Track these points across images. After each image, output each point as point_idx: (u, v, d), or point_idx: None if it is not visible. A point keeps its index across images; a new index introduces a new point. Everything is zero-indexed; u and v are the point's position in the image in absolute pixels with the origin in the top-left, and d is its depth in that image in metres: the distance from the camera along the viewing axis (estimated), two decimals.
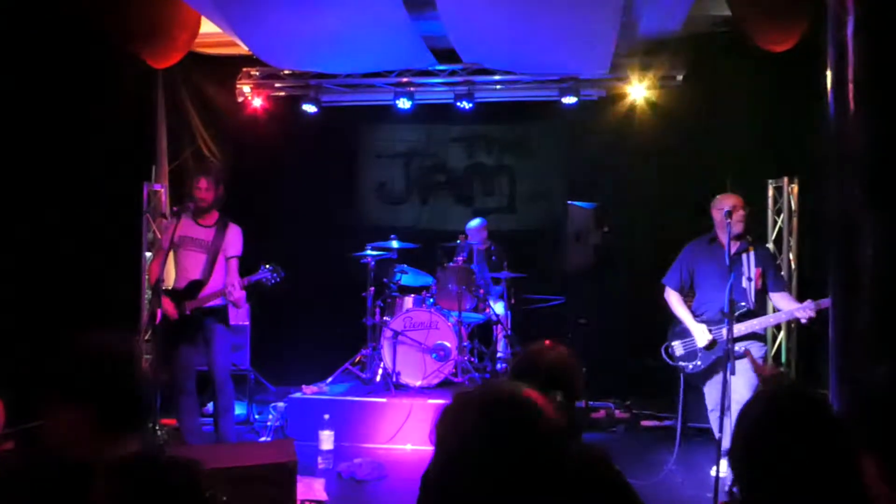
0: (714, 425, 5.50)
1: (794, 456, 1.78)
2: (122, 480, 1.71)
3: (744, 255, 5.42)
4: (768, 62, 6.49)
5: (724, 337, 5.20)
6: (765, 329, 5.70)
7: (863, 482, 1.80)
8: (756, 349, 5.36)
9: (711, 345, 5.43)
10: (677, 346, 5.64)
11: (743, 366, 5.12)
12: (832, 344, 2.62)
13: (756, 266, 5.39)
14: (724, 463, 5.48)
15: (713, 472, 5.44)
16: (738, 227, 5.30)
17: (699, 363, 5.51)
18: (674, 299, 5.67)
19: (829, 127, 2.59)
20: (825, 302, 4.86)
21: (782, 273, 6.41)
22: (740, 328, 5.18)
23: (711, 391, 5.52)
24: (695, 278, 5.64)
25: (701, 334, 5.47)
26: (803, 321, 5.23)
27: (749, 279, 5.37)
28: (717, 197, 5.52)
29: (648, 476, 5.58)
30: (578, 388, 2.53)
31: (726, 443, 5.33)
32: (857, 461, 1.80)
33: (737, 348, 5.07)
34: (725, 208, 5.27)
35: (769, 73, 6.82)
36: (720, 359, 5.29)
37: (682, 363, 5.62)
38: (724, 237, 5.24)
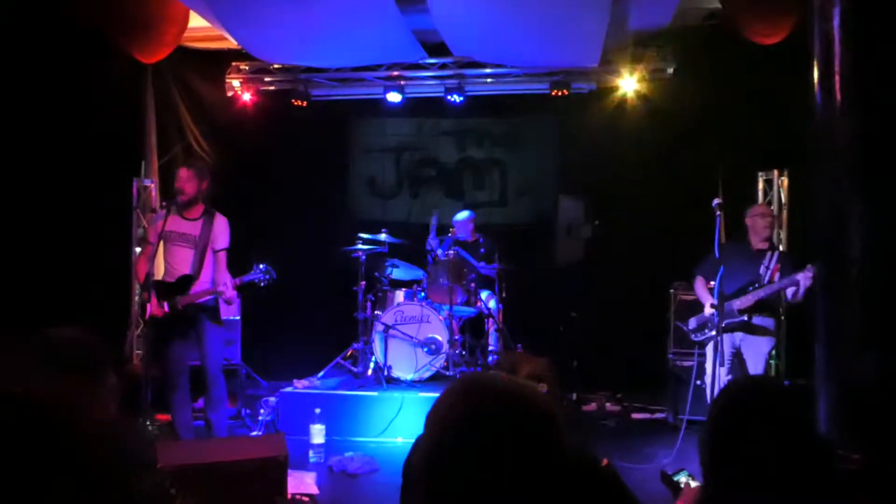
0: (708, 390, 5.96)
1: (757, 448, 1.81)
2: None
3: (768, 253, 6.00)
4: (758, 55, 6.50)
5: (732, 307, 5.84)
6: (775, 305, 6.10)
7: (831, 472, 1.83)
8: (770, 326, 5.96)
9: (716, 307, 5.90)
10: (692, 320, 6.28)
11: (755, 342, 5.90)
12: (820, 334, 2.63)
13: (776, 263, 5.96)
14: None
15: None
16: (764, 232, 6.03)
17: (707, 332, 6.06)
18: (698, 283, 6.24)
19: (816, 118, 2.60)
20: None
21: None
22: (748, 298, 5.82)
23: (712, 355, 5.83)
24: (724, 270, 5.93)
25: (708, 307, 6.04)
26: (803, 287, 5.56)
27: (767, 268, 5.97)
28: (755, 206, 6.28)
29: (641, 464, 5.62)
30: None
31: None
32: (825, 452, 1.83)
33: (745, 318, 5.89)
34: (759, 212, 6.14)
35: (759, 66, 6.83)
36: (725, 328, 5.76)
37: (693, 335, 6.25)
38: (753, 239, 6.03)
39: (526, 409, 1.46)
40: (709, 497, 1.89)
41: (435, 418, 1.49)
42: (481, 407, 1.45)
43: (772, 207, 7.49)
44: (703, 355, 6.23)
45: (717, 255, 5.55)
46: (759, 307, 5.88)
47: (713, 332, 5.89)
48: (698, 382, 6.44)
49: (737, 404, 1.93)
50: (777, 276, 5.89)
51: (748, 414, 1.87)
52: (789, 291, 5.74)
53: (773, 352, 6.29)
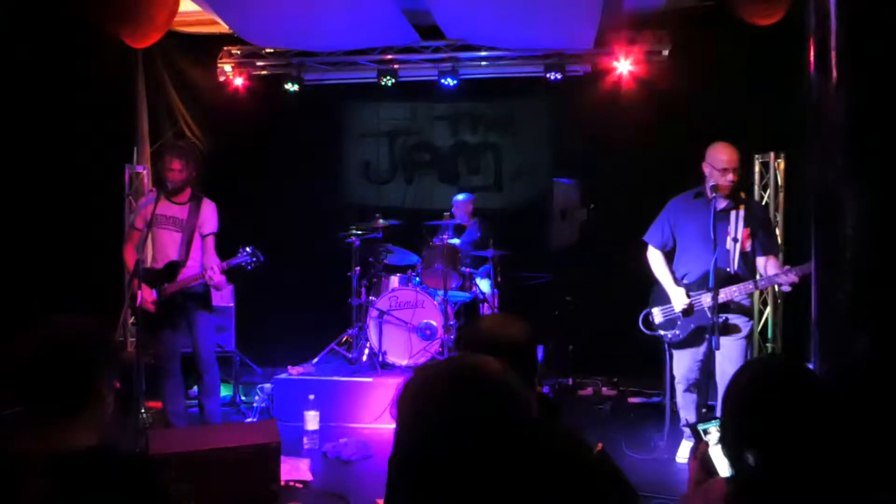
0: (679, 398, 5.32)
1: (783, 429, 1.75)
2: (62, 476, 1.59)
3: (732, 213, 4.96)
4: (755, 36, 6.44)
5: (704, 305, 4.94)
6: (751, 301, 5.39)
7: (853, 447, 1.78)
8: (742, 324, 5.05)
9: (689, 310, 5.05)
10: (656, 313, 5.24)
11: (727, 342, 4.85)
12: (814, 317, 2.60)
13: (744, 226, 4.92)
14: (686, 444, 5.42)
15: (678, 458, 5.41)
16: (726, 189, 4.91)
17: (678, 332, 5.13)
18: (655, 259, 5.30)
19: (811, 96, 2.56)
20: (807, 267, 4.40)
21: (776, 235, 5.90)
22: (719, 296, 4.75)
23: (682, 361, 5.20)
24: (677, 236, 5.25)
25: (678, 298, 5.08)
26: (786, 289, 4.90)
27: (735, 240, 4.90)
28: (714, 147, 5.04)
29: (637, 452, 5.60)
30: (533, 362, 2.45)
31: (689, 416, 5.25)
32: (844, 426, 1.78)
33: (721, 320, 4.80)
34: (721, 165, 4.89)
35: (755, 48, 6.78)
36: (700, 328, 5.00)
37: (661, 332, 5.24)
38: (711, 194, 4.91)
39: (497, 392, 1.43)
40: (741, 488, 1.83)
41: (411, 406, 1.46)
42: (459, 391, 1.42)
43: (767, 189, 7.45)
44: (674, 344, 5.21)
45: (710, 220, 4.71)
46: (731, 304, 4.96)
47: (681, 334, 5.10)
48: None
49: (754, 387, 1.86)
50: (748, 244, 4.91)
51: (767, 396, 1.81)
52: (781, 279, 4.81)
53: (754, 342, 5.74)
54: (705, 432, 2.20)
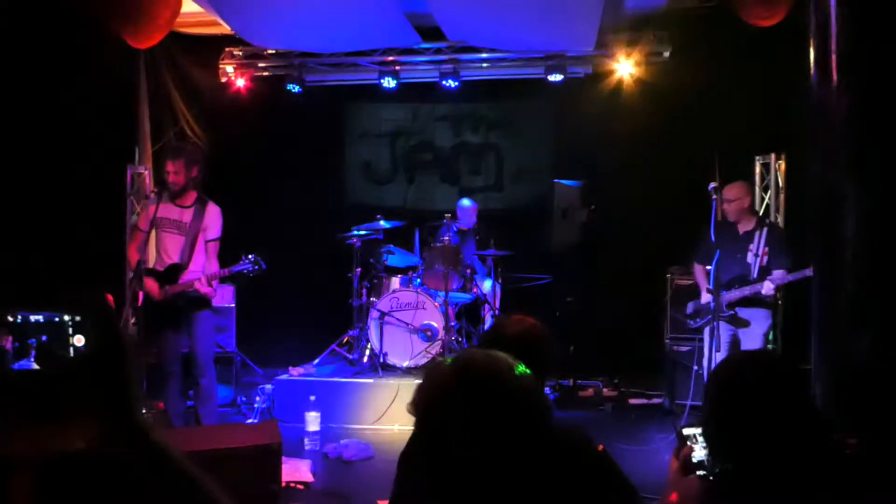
0: (705, 375, 5.94)
1: (760, 417, 1.77)
2: (51, 481, 1.55)
3: (756, 233, 5.95)
4: (756, 38, 6.44)
5: (724, 299, 5.86)
6: (771, 297, 6.02)
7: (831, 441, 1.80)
8: (763, 319, 5.93)
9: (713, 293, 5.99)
10: (689, 305, 6.43)
11: (745, 334, 5.90)
12: (815, 316, 2.61)
13: (765, 245, 5.90)
14: None
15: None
16: (733, 216, 5.96)
17: (699, 320, 6.25)
18: (697, 270, 6.35)
19: (812, 98, 2.56)
20: (779, 279, 5.73)
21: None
22: (734, 294, 5.88)
23: (706, 340, 6.02)
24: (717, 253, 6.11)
25: (704, 293, 6.22)
26: (766, 293, 5.81)
27: (756, 255, 5.92)
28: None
29: (638, 453, 5.61)
30: (547, 362, 2.47)
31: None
32: (824, 421, 1.80)
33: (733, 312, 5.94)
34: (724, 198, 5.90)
35: (757, 49, 6.78)
36: (716, 316, 5.78)
37: (689, 321, 6.42)
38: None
39: (502, 383, 1.43)
40: (715, 486, 1.84)
41: (423, 402, 1.46)
42: (465, 385, 1.42)
43: (768, 190, 7.45)
44: (702, 340, 6.24)
45: (713, 238, 5.59)
46: (747, 300, 5.92)
47: (701, 322, 6.16)
48: (696, 368, 6.42)
49: (734, 378, 1.89)
50: (766, 260, 5.89)
51: (745, 386, 1.84)
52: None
53: (771, 335, 6.20)
54: (689, 437, 2.20)
